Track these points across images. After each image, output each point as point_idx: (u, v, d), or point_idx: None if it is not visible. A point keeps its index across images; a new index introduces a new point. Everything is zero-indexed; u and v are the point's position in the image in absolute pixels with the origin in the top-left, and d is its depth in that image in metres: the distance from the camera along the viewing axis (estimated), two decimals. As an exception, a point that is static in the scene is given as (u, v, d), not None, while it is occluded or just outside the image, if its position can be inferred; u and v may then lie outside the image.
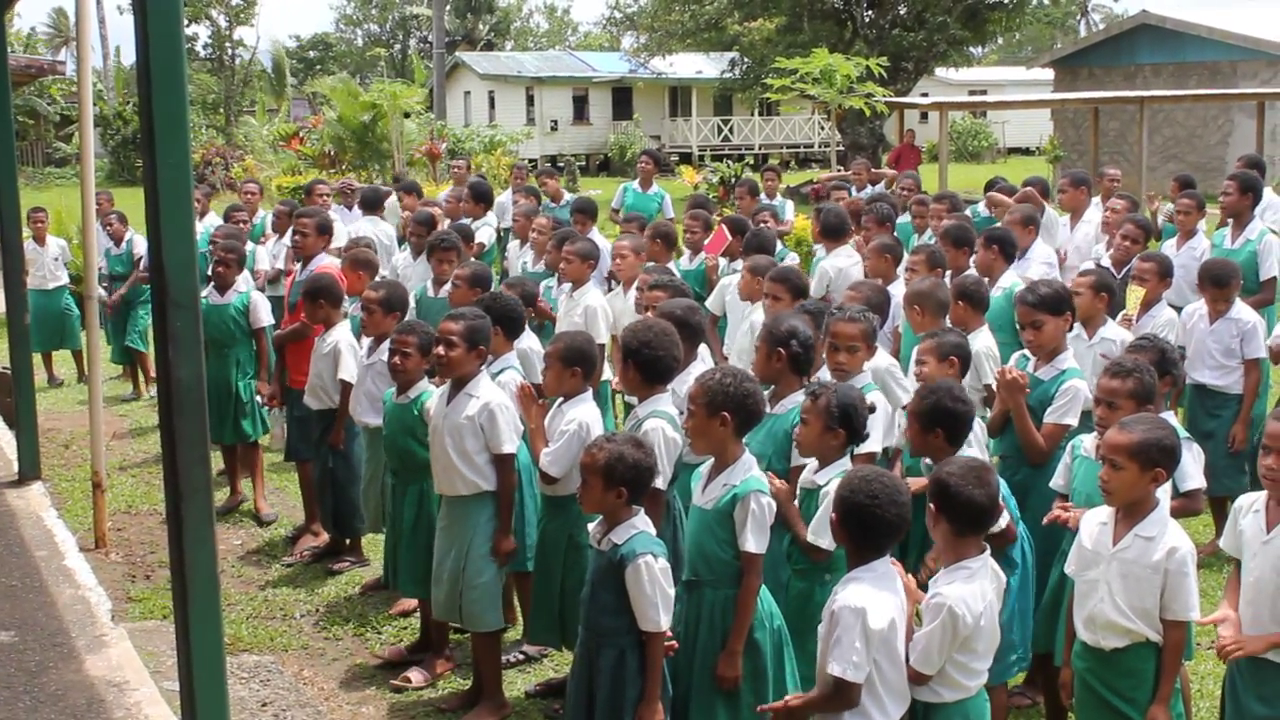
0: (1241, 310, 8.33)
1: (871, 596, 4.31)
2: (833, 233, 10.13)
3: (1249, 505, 4.90)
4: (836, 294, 8.92)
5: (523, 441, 6.43)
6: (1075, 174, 12.69)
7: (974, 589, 4.45)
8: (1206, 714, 6.24)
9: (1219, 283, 8.28)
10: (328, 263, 9.69)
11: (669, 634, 5.00)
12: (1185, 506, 5.66)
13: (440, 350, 6.34)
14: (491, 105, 49.71)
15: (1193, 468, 5.74)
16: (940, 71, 44.13)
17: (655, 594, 4.87)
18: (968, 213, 11.26)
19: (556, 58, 54.32)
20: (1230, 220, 10.44)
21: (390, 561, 7.10)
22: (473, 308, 6.75)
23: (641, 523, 4.99)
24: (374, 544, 8.29)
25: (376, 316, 7.61)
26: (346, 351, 8.08)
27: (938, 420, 5.47)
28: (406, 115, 31.05)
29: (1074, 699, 5.03)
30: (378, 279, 8.72)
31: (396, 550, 6.99)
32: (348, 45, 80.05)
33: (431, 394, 6.82)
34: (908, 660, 4.43)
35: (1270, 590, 4.71)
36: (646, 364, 5.85)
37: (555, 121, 49.00)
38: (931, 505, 4.55)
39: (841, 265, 9.78)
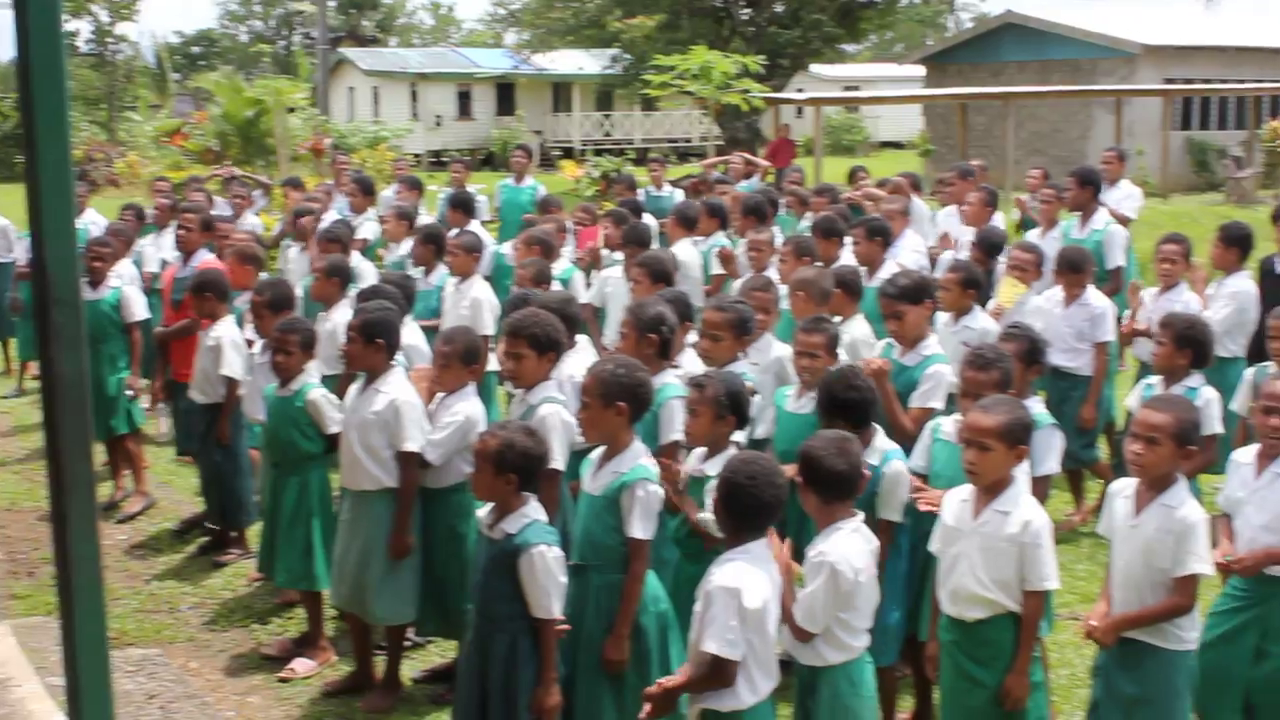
0: (1093, 295, 8.68)
1: (747, 576, 4.42)
2: (689, 223, 10.42)
3: (1119, 491, 5.13)
4: (686, 282, 9.14)
5: None
6: (961, 167, 13.12)
7: (852, 547, 4.65)
8: (1066, 682, 6.49)
9: (1076, 268, 8.63)
10: (210, 258, 9.69)
11: (561, 619, 5.08)
12: (1035, 490, 5.89)
13: (345, 346, 6.43)
14: (376, 101, 49.27)
15: (1052, 454, 5.96)
16: (815, 68, 44.65)
17: (549, 583, 4.95)
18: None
19: (440, 54, 53.96)
20: (1078, 211, 10.89)
21: (267, 553, 7.13)
22: (378, 301, 6.82)
23: (534, 511, 5.07)
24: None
25: (265, 319, 7.57)
26: (229, 347, 8.07)
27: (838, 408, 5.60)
28: (291, 111, 30.70)
29: (939, 671, 5.21)
30: (262, 279, 8.72)
31: (274, 542, 7.02)
32: (232, 41, 78.68)
33: (315, 385, 6.90)
34: (792, 623, 4.60)
35: (1137, 574, 4.93)
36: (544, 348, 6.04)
37: (439, 117, 48.73)
38: (799, 478, 4.75)
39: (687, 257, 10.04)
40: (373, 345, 6.34)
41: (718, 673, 4.41)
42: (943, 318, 7.83)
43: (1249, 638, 5.38)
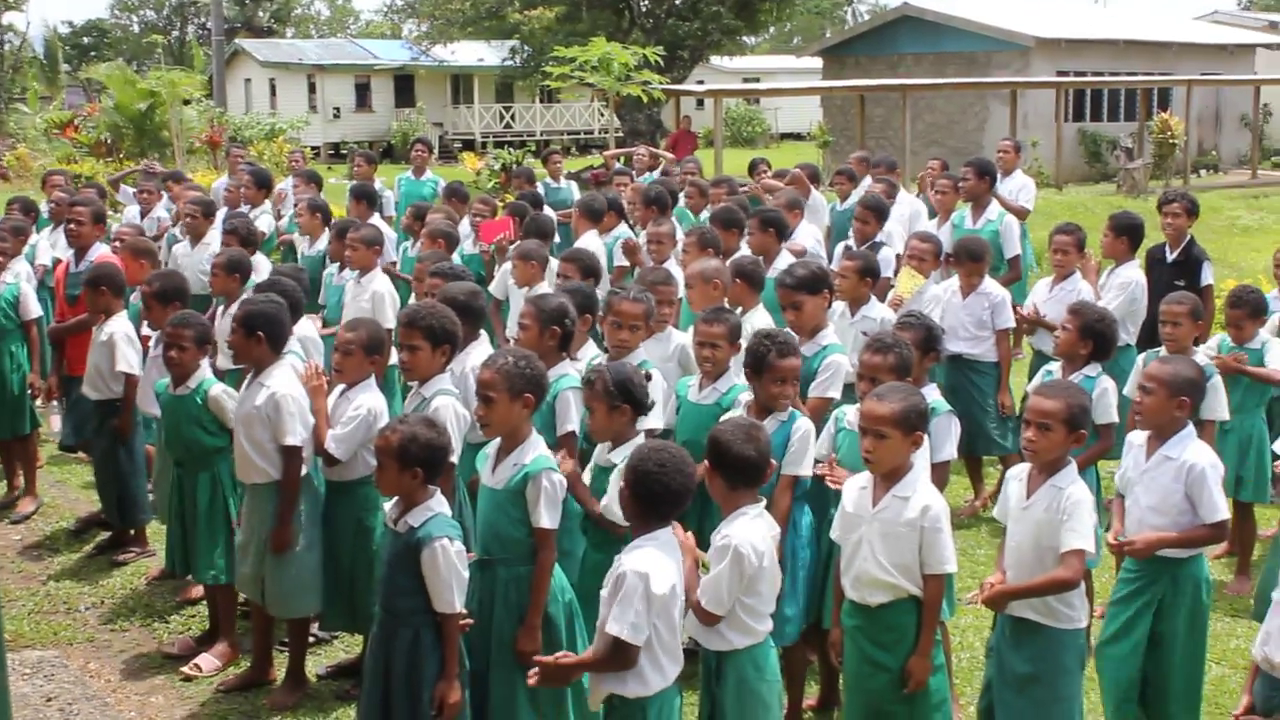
0: (990, 285, 8.85)
1: (656, 562, 4.46)
2: (595, 216, 10.46)
3: (1014, 474, 5.25)
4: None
5: None
6: (846, 169, 13.27)
7: (756, 531, 4.71)
8: (967, 664, 6.61)
9: (975, 257, 8.77)
10: (105, 251, 9.53)
11: (464, 613, 5.09)
12: (934, 477, 6.00)
13: (229, 339, 6.38)
14: (273, 93, 48.67)
15: (949, 441, 6.06)
16: (715, 60, 44.85)
17: (450, 577, 4.95)
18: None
19: (338, 45, 53.45)
20: (970, 202, 11.07)
21: (178, 550, 7.03)
22: (265, 294, 6.78)
23: (438, 504, 5.07)
24: (160, 533, 8.19)
25: (155, 310, 7.51)
26: (123, 343, 7.94)
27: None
28: (186, 103, 30.26)
29: (842, 657, 5.28)
30: (154, 271, 8.59)
31: (186, 539, 6.93)
32: (124, 31, 77.11)
33: (214, 382, 6.83)
34: (698, 607, 4.64)
35: (1028, 554, 5.04)
36: (439, 341, 6.03)
37: (337, 109, 48.26)
38: (707, 462, 4.79)
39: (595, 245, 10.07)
40: (253, 338, 6.34)
41: (619, 655, 4.45)
42: (840, 308, 7.93)
43: (1144, 622, 5.54)
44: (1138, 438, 5.73)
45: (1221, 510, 5.42)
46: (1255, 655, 4.73)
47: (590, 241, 10.22)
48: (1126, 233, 9.17)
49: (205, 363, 6.93)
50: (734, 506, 4.79)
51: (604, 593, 4.55)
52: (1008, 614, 5.13)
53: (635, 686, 4.51)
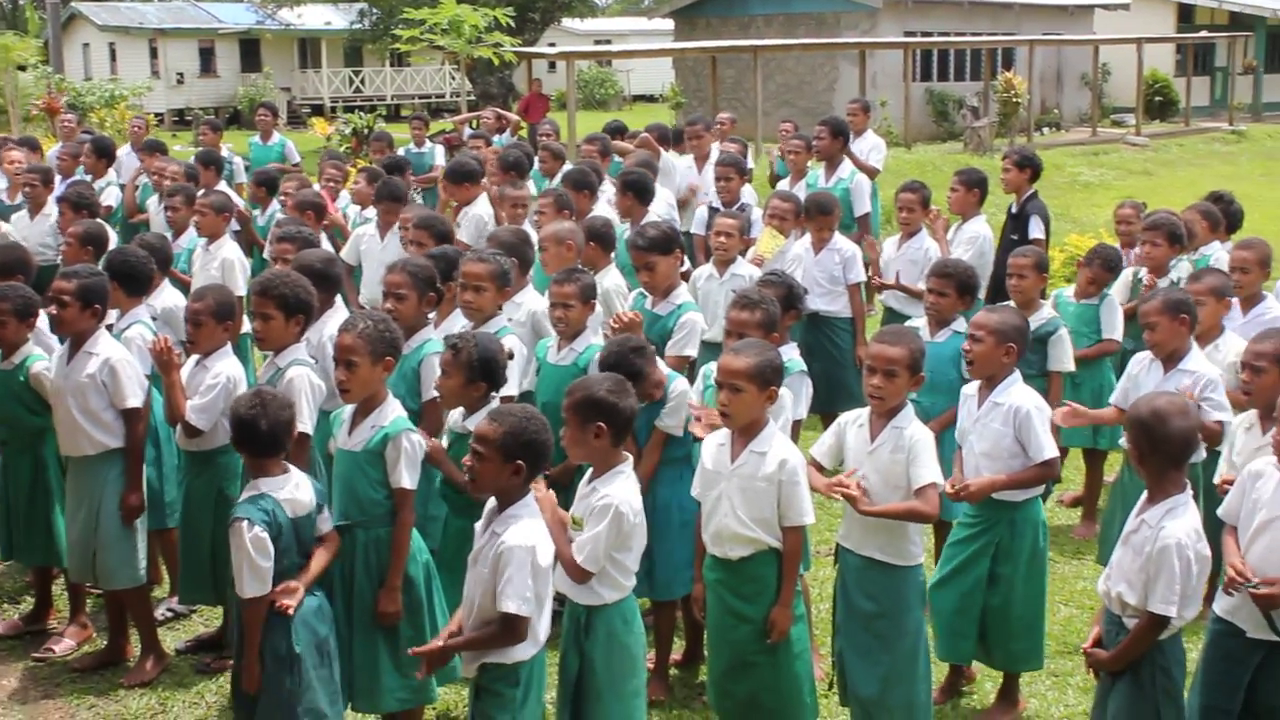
0: (840, 240, 8.99)
1: (536, 532, 4.52)
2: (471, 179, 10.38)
3: (853, 420, 5.38)
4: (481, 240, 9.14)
5: (159, 396, 6.38)
6: (699, 119, 13.33)
7: (631, 489, 4.78)
8: (826, 615, 6.71)
9: (824, 210, 8.90)
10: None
11: (259, 598, 4.88)
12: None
13: (52, 309, 6.23)
14: (113, 58, 47.15)
15: (800, 402, 6.14)
16: (566, 22, 44.71)
17: (242, 560, 4.82)
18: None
19: (180, 8, 51.94)
20: (824, 162, 11.23)
21: (6, 533, 6.81)
22: (87, 265, 6.63)
23: (266, 484, 4.98)
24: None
25: None
26: None
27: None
28: (21, 68, 29.30)
29: (705, 611, 5.37)
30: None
31: (10, 520, 6.73)
32: (-48, -5, 74.23)
33: (39, 357, 6.60)
34: (572, 565, 4.68)
35: (877, 493, 5.17)
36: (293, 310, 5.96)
37: (181, 74, 46.98)
38: (594, 421, 4.78)
39: (480, 213, 10.00)
40: (89, 310, 6.25)
41: (511, 629, 4.48)
42: (709, 269, 8.01)
43: (983, 564, 5.76)
44: (970, 388, 5.93)
45: (1049, 449, 5.63)
46: (1099, 590, 4.92)
47: (483, 205, 10.14)
48: (978, 185, 9.40)
49: (30, 337, 6.67)
50: (608, 466, 4.83)
51: (480, 569, 4.55)
52: (854, 554, 5.29)
53: (515, 653, 4.55)
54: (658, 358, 6.03)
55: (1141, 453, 4.74)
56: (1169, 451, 4.68)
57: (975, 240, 9.14)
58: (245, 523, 4.84)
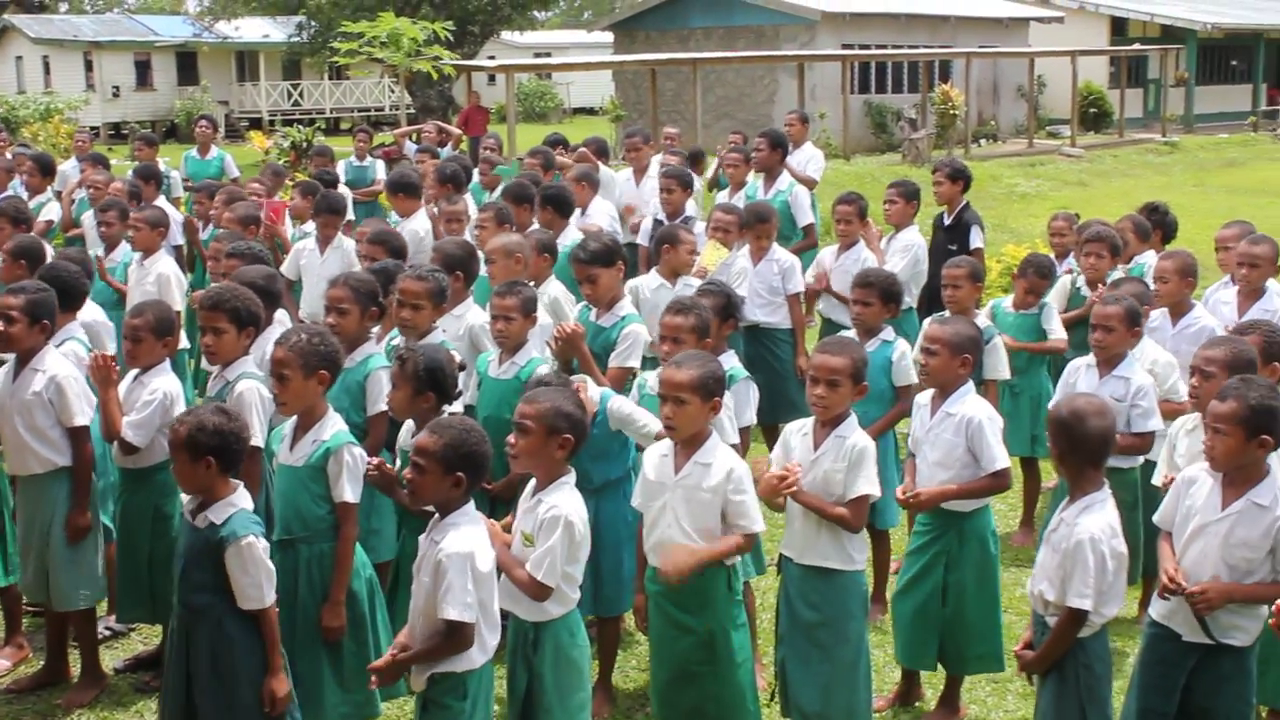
0: (779, 251, 9.04)
1: (475, 539, 4.52)
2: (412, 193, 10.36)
3: (798, 429, 5.42)
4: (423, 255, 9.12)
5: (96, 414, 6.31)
6: (639, 131, 13.38)
7: (578, 500, 4.79)
8: (769, 625, 6.73)
9: (762, 218, 8.96)
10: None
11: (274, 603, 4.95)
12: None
13: (4, 328, 6.16)
14: (47, 71, 46.62)
15: (748, 407, 6.20)
16: (506, 35, 44.64)
17: (259, 573, 4.80)
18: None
19: (115, 21, 51.47)
20: (763, 174, 11.29)
21: None
22: (35, 281, 6.56)
23: (240, 499, 4.91)
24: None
25: None
26: None
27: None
28: (-47, 83, 28.93)
29: (647, 622, 5.38)
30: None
31: None
32: (-121, 6, 73.11)
33: None
34: (532, 582, 4.65)
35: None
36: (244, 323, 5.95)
37: (117, 88, 46.52)
38: (556, 431, 4.79)
39: (417, 228, 9.97)
40: (38, 326, 6.19)
41: (457, 637, 4.48)
42: (654, 281, 8.04)
43: (936, 572, 5.81)
44: (923, 398, 5.98)
45: (1000, 460, 5.69)
46: (1028, 592, 4.99)
47: (420, 220, 10.12)
48: (915, 197, 9.55)
49: None
50: (551, 478, 4.83)
51: (422, 577, 4.55)
52: (798, 563, 5.32)
53: (462, 662, 4.55)
54: (587, 379, 6.04)
55: (1061, 452, 4.84)
56: (1087, 450, 4.78)
57: (909, 249, 9.26)
58: (250, 538, 4.78)
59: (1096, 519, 4.72)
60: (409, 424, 5.74)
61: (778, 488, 5.15)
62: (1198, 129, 37.31)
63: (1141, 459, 6.52)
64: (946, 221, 10.15)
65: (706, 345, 5.78)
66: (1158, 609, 4.98)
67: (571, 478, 4.86)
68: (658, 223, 10.17)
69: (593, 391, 5.90)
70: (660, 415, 5.17)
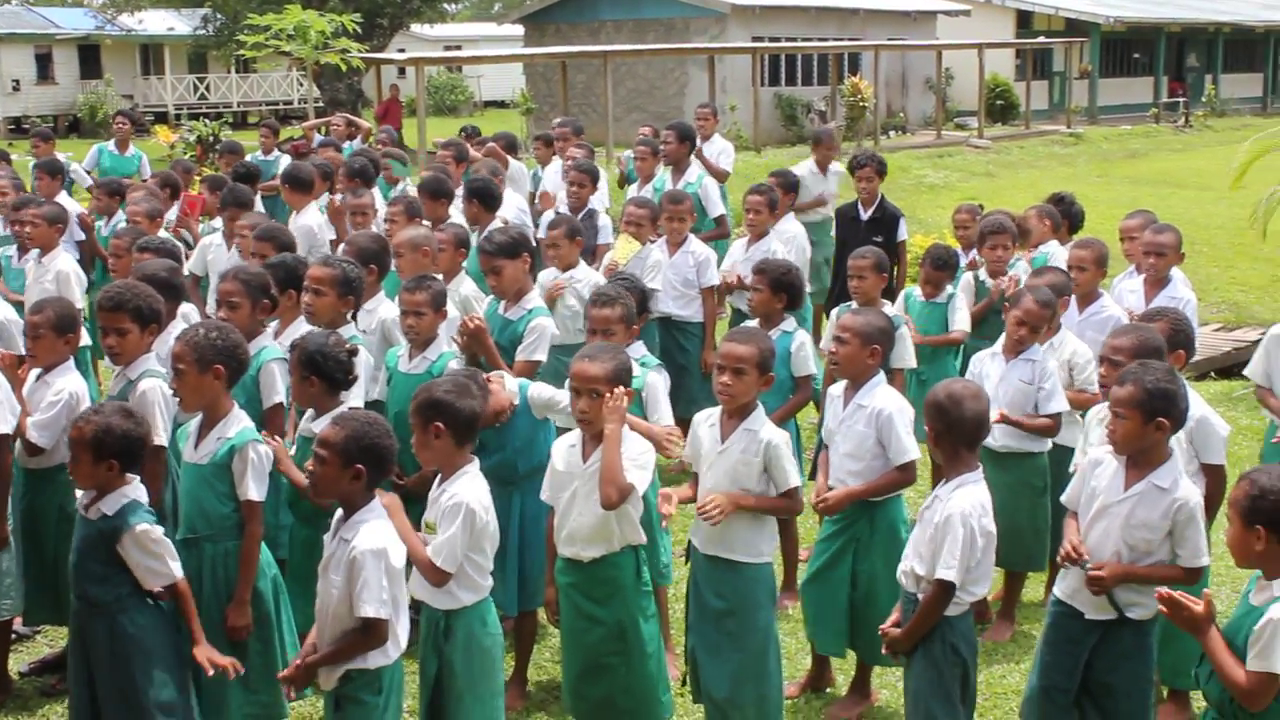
0: (695, 243, 9.09)
1: (388, 535, 4.52)
2: (305, 186, 10.27)
3: (705, 419, 5.44)
4: (320, 250, 9.04)
5: None
6: (570, 123, 13.37)
7: (481, 488, 4.80)
8: (681, 615, 6.77)
9: (676, 200, 9.03)
10: None
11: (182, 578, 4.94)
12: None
13: None
14: (-57, 64, 45.70)
15: (664, 402, 6.19)
16: (415, 28, 44.33)
17: (162, 551, 4.83)
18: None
19: (14, 13, 50.35)
20: (671, 166, 11.33)
21: None
22: None
23: (134, 491, 4.91)
24: None
25: None
26: None
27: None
28: None
29: (559, 615, 5.40)
30: None
31: None
32: None
33: None
34: (430, 569, 4.67)
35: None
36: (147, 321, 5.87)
37: (17, 81, 45.57)
38: (433, 421, 4.79)
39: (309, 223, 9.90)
40: None
41: (371, 635, 4.49)
42: (555, 273, 8.04)
43: (846, 561, 5.87)
44: (836, 389, 6.02)
45: (909, 452, 5.74)
46: (898, 573, 5.10)
47: (312, 215, 10.02)
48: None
49: None
50: (455, 467, 4.84)
51: (333, 577, 4.53)
52: (704, 553, 5.35)
53: (377, 658, 4.55)
54: (502, 375, 6.04)
55: (937, 433, 4.93)
56: (962, 432, 4.88)
57: (794, 239, 9.42)
58: (144, 525, 4.78)
59: (967, 496, 4.82)
60: (310, 411, 5.72)
61: (713, 519, 5.16)
62: (1101, 121, 37.99)
63: (1050, 443, 6.62)
64: (866, 215, 10.25)
65: (633, 333, 5.88)
66: (1062, 588, 5.08)
67: (474, 466, 4.87)
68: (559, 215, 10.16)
69: (510, 383, 5.90)
70: (574, 409, 5.17)
